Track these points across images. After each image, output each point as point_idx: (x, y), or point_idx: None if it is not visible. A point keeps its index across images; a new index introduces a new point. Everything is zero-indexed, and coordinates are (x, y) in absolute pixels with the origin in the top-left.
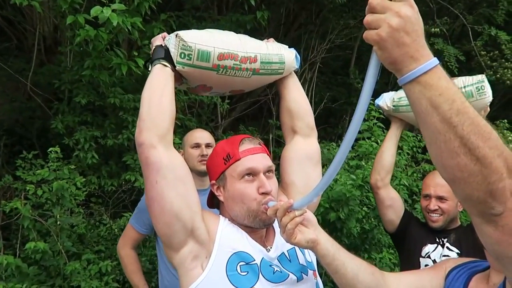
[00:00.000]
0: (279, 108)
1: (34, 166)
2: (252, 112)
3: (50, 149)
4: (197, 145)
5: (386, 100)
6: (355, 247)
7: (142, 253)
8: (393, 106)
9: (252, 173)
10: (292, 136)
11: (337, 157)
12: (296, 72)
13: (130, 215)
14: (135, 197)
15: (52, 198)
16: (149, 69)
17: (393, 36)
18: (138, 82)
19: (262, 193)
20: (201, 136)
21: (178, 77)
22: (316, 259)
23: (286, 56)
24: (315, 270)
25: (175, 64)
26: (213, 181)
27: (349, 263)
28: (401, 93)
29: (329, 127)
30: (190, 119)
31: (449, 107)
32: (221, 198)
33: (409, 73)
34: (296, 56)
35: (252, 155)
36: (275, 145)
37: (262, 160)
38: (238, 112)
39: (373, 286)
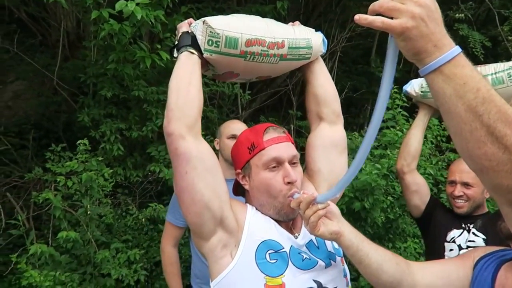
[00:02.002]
0: (305, 94)
1: (62, 159)
2: (272, 102)
3: (79, 141)
4: (233, 136)
5: (415, 86)
6: (379, 236)
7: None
8: (421, 92)
9: (277, 162)
10: (318, 123)
11: (361, 150)
12: (322, 56)
13: (156, 205)
14: (161, 188)
15: (81, 189)
16: (175, 55)
17: (417, 26)
18: (160, 75)
19: (288, 183)
20: (237, 127)
21: (204, 63)
22: None
23: (314, 40)
24: (342, 257)
25: (203, 51)
26: (238, 170)
27: (373, 254)
28: None
29: (350, 117)
30: (211, 110)
31: (474, 96)
32: (246, 187)
33: (432, 62)
34: (323, 40)
35: (277, 144)
36: (296, 136)
37: (287, 149)
38: (258, 103)
39: (397, 276)
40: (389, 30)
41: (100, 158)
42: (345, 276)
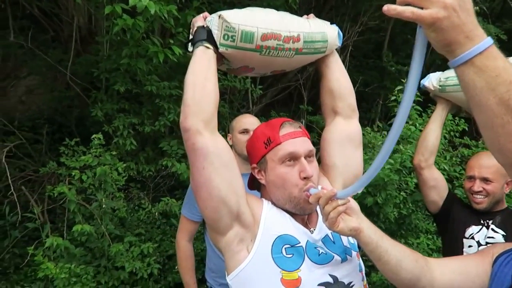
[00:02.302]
0: (320, 88)
1: (76, 153)
2: (282, 97)
3: (94, 136)
4: (246, 131)
5: (432, 80)
6: (391, 232)
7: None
8: (440, 86)
9: (293, 158)
10: (333, 117)
11: (386, 145)
12: (337, 50)
13: (168, 200)
14: (174, 182)
15: (95, 183)
16: (190, 50)
17: (449, 17)
18: (172, 70)
19: (304, 178)
20: (250, 122)
21: (219, 58)
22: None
23: (329, 33)
24: (358, 252)
25: (218, 46)
26: (254, 165)
27: (392, 250)
28: (447, 73)
29: (362, 112)
30: (223, 105)
31: (507, 88)
32: (262, 182)
33: (463, 54)
34: (338, 33)
35: (293, 139)
36: (307, 131)
37: (303, 144)
38: (269, 98)
39: (416, 272)
40: (419, 21)
41: (114, 153)
42: (360, 270)
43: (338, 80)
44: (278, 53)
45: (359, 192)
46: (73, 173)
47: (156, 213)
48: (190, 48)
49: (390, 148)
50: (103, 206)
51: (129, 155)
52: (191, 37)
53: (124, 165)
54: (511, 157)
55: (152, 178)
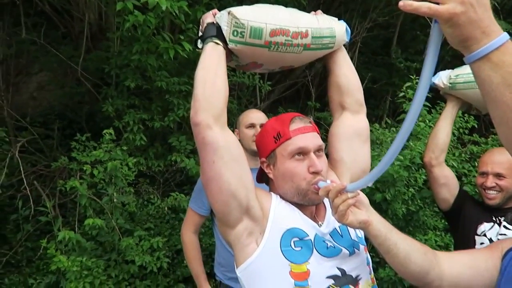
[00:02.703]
0: (327, 83)
1: (87, 148)
2: (290, 94)
3: (105, 131)
4: (252, 125)
5: (442, 78)
6: (399, 228)
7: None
8: (450, 83)
9: (302, 152)
10: (341, 112)
11: (397, 141)
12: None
13: (177, 195)
14: (183, 177)
15: (105, 177)
16: (200, 46)
17: (466, 12)
18: (182, 65)
19: (313, 173)
20: (256, 116)
21: (228, 54)
22: (365, 236)
23: (337, 29)
24: (365, 245)
25: (228, 42)
26: (263, 159)
27: (401, 244)
28: (457, 70)
29: (369, 109)
30: (231, 101)
31: None
32: (271, 176)
33: (479, 49)
34: (346, 29)
35: (303, 134)
36: None
37: (313, 139)
38: (277, 95)
39: (425, 266)
40: (436, 16)
41: (125, 148)
42: (368, 264)
43: (346, 75)
44: (286, 49)
45: (370, 185)
46: (84, 168)
47: (165, 208)
48: (199, 45)
49: (402, 142)
50: (114, 200)
51: (139, 151)
52: (200, 33)
53: (134, 160)
54: None
55: (161, 173)
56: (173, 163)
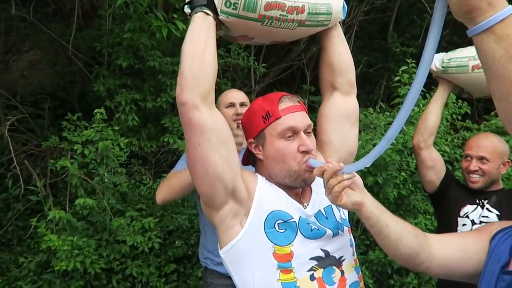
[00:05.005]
0: (320, 61)
1: (78, 128)
2: (285, 77)
3: (96, 110)
4: (232, 105)
5: (435, 61)
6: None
7: (181, 212)
8: (442, 67)
9: (292, 132)
10: (331, 93)
11: (395, 123)
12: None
13: None
14: (175, 159)
15: (97, 157)
16: (187, 12)
17: None
18: (175, 45)
19: (303, 152)
20: (235, 96)
21: (218, 24)
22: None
23: (334, 6)
24: (349, 227)
25: (219, 13)
26: (251, 140)
27: (393, 226)
28: (451, 54)
29: (364, 93)
30: (225, 83)
31: None
32: (259, 157)
33: (484, 21)
34: (344, 6)
35: (292, 113)
36: (309, 111)
37: (303, 118)
38: (272, 77)
39: (416, 248)
40: None
41: (116, 128)
42: (351, 245)
43: (340, 54)
44: (280, 24)
45: (368, 166)
46: (76, 148)
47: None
48: (187, 10)
49: (401, 124)
50: (105, 180)
51: (131, 131)
52: None
53: (126, 140)
54: None
55: (153, 154)
56: (165, 144)
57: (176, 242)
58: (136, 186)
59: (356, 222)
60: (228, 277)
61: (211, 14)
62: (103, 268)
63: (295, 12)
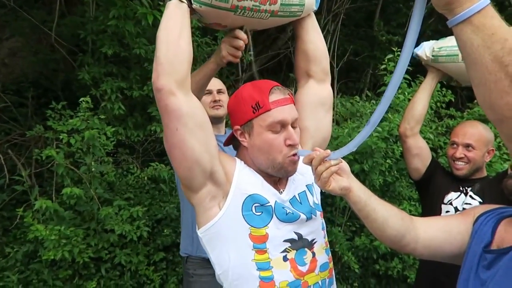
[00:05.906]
0: (295, 49)
1: (63, 117)
2: (272, 66)
3: (82, 99)
4: (209, 92)
5: (426, 49)
6: None
7: (169, 200)
8: (432, 56)
9: (281, 125)
10: (306, 80)
11: (379, 108)
12: (318, 21)
13: (157, 165)
14: (163, 147)
15: (83, 147)
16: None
17: None
18: None
19: (289, 145)
20: (212, 83)
21: (192, 10)
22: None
23: None
24: (322, 211)
25: (192, 1)
26: (238, 126)
27: (380, 209)
28: (441, 42)
29: (351, 82)
30: None
31: (501, 46)
32: (245, 144)
33: (463, 12)
34: None
35: (282, 106)
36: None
37: (291, 112)
38: (258, 65)
39: (402, 230)
40: None
41: (102, 117)
42: (323, 229)
43: (314, 42)
44: (253, 14)
45: (354, 154)
46: (61, 137)
47: (145, 178)
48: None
49: (384, 108)
50: (92, 170)
51: (118, 120)
52: None
53: (113, 129)
54: (500, 113)
55: (140, 143)
56: (152, 133)
57: (165, 231)
58: (124, 175)
59: (343, 209)
60: (210, 267)
61: (185, 1)
62: (91, 257)
63: (268, 2)
